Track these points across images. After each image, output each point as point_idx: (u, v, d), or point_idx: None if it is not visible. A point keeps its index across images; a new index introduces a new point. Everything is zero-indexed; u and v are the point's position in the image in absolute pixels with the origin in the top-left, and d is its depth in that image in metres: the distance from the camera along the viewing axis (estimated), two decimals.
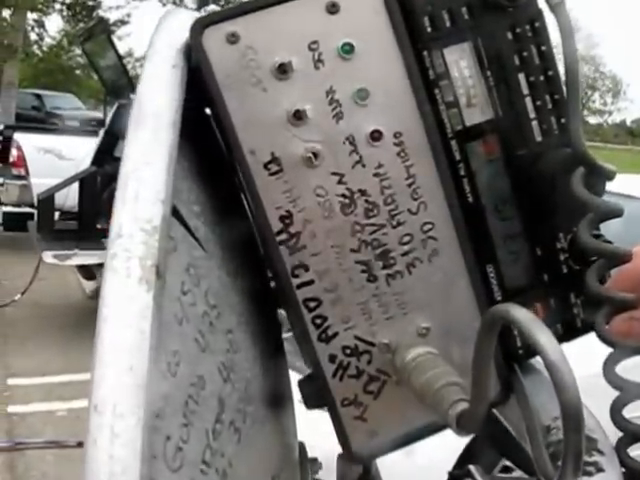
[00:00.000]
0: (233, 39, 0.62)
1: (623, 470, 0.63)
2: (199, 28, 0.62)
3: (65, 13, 26.34)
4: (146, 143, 0.53)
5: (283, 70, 0.62)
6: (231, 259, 0.70)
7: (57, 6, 25.70)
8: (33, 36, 28.27)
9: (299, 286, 0.66)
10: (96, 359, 0.41)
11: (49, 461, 4.64)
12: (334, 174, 0.64)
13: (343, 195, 0.65)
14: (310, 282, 0.66)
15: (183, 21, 0.63)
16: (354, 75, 0.64)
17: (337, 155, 0.64)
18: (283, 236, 0.65)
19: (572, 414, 0.46)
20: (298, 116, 0.63)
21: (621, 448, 0.66)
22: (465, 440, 3.05)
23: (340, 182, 0.65)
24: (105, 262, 0.45)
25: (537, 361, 0.73)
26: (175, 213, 0.53)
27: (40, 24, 27.46)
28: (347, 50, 0.63)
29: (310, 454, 0.92)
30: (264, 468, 0.71)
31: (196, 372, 0.53)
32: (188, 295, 0.55)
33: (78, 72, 31.09)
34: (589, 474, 0.59)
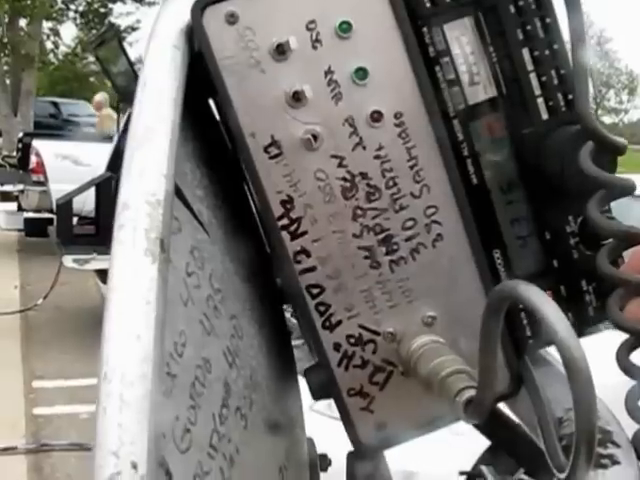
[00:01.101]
0: (232, 19, 0.60)
1: None
2: (199, 9, 0.60)
3: (78, 21, 26.58)
4: (149, 120, 0.52)
5: (281, 51, 0.61)
6: (234, 245, 0.70)
7: (71, 14, 25.97)
8: (49, 45, 28.57)
9: (301, 272, 0.64)
10: (105, 328, 0.41)
11: (73, 463, 4.67)
12: (334, 157, 0.62)
13: (344, 179, 0.63)
14: (312, 268, 0.64)
15: (185, 3, 0.62)
16: (353, 54, 0.62)
17: (337, 137, 0.62)
18: (284, 221, 0.63)
19: (583, 392, 0.43)
20: (297, 97, 0.61)
21: (638, 441, 0.63)
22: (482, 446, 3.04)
23: (340, 165, 0.63)
24: (113, 233, 0.46)
25: (548, 352, 0.70)
26: (179, 195, 0.53)
27: (55, 32, 27.66)
28: (345, 29, 0.61)
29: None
30: (271, 458, 0.69)
31: (202, 355, 0.53)
32: (193, 277, 0.54)
33: (92, 79, 31.35)
34: (604, 467, 0.56)
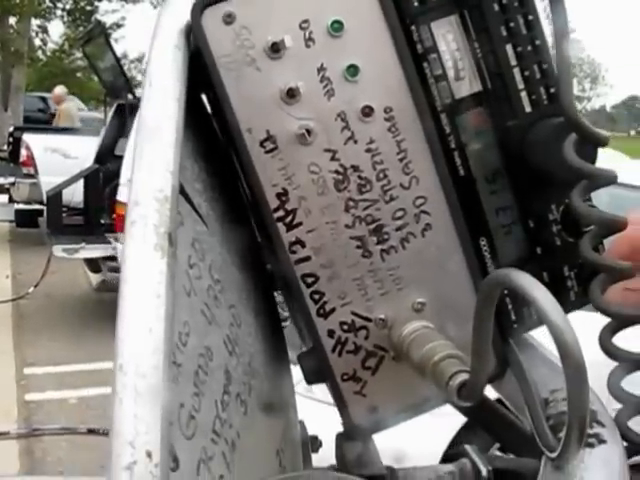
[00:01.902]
0: (229, 19, 0.61)
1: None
2: (198, 9, 0.61)
3: (66, 18, 26.48)
4: (156, 119, 0.53)
5: (276, 49, 0.61)
6: (231, 237, 0.70)
7: (58, 12, 25.87)
8: (37, 42, 28.44)
9: (297, 262, 0.64)
10: (119, 321, 0.42)
11: (63, 447, 4.66)
12: (327, 151, 0.63)
13: (336, 171, 0.63)
14: (307, 258, 0.64)
15: (184, 4, 0.62)
16: (344, 52, 0.62)
17: (329, 132, 0.62)
18: (280, 213, 0.63)
19: (576, 374, 0.44)
20: (291, 94, 0.61)
21: (620, 420, 0.63)
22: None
23: (333, 158, 0.63)
24: (125, 228, 0.46)
25: (531, 336, 0.71)
26: (181, 190, 0.53)
27: (43, 30, 27.55)
28: (337, 28, 0.61)
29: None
30: (269, 441, 0.70)
31: (204, 343, 0.53)
32: (194, 269, 0.55)
33: (79, 75, 31.20)
34: (591, 445, 0.56)
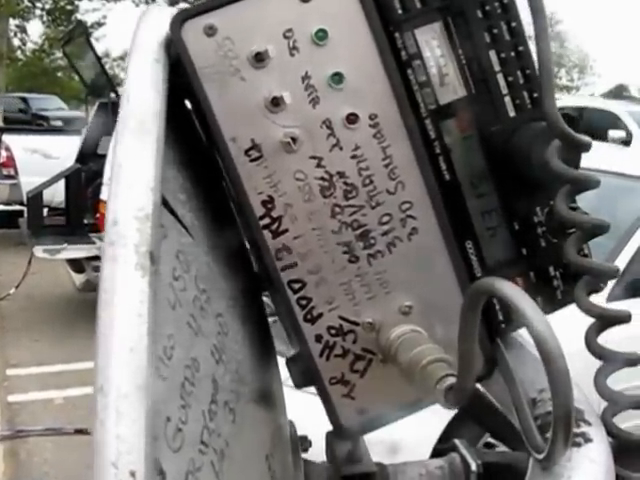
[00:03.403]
0: (211, 31, 0.61)
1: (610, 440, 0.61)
2: (178, 22, 0.61)
3: (45, 18, 26.36)
4: (134, 135, 0.52)
5: (260, 59, 0.61)
6: (217, 245, 0.70)
7: (37, 12, 25.75)
8: (16, 42, 28.27)
9: (283, 268, 0.64)
10: (99, 342, 0.41)
11: (49, 448, 4.63)
12: (312, 158, 0.63)
13: (322, 178, 0.63)
14: (293, 264, 0.64)
15: (163, 16, 0.62)
16: (328, 60, 0.62)
17: (315, 139, 0.63)
18: (266, 220, 0.63)
19: (560, 384, 0.44)
20: (276, 102, 0.62)
21: (607, 418, 0.64)
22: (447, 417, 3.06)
23: (319, 165, 0.63)
24: (103, 249, 0.46)
25: (519, 335, 0.71)
26: (164, 202, 0.53)
27: (22, 30, 27.41)
28: (321, 36, 0.62)
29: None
30: (259, 447, 0.70)
31: (190, 355, 0.53)
32: (179, 281, 0.54)
33: (60, 74, 30.99)
34: (578, 445, 0.57)
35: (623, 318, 0.64)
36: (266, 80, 0.62)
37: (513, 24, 0.66)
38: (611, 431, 0.63)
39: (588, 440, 0.58)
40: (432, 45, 0.65)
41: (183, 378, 0.50)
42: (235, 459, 0.59)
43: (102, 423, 0.39)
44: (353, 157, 0.63)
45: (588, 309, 0.64)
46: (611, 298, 3.00)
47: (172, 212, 0.58)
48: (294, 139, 0.62)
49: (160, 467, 0.42)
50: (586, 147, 0.61)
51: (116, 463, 0.38)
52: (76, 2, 26.13)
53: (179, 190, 0.62)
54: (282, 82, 0.62)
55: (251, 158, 0.62)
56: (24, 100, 23.37)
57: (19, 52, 29.50)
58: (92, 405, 0.40)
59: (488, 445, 3.07)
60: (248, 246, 0.76)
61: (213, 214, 0.71)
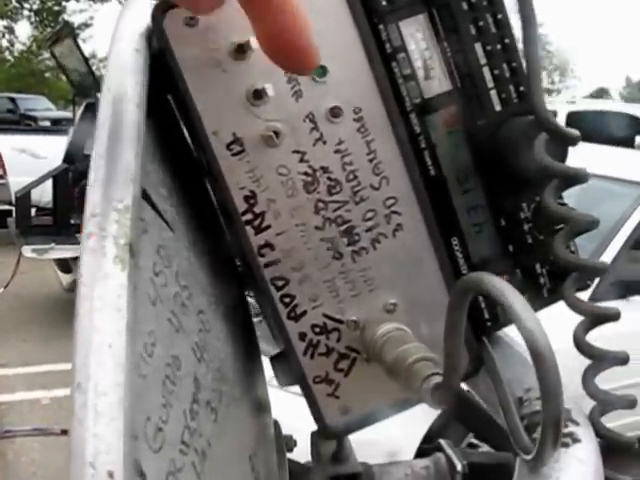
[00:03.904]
0: (192, 22, 0.59)
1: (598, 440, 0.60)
2: (160, 12, 0.59)
3: (33, 19, 26.37)
4: (115, 126, 0.51)
5: (241, 50, 0.59)
6: (198, 241, 0.68)
7: (25, 12, 25.76)
8: (4, 43, 28.29)
9: (266, 265, 0.63)
10: (76, 338, 0.39)
11: (36, 448, 4.62)
12: (295, 152, 0.62)
13: (305, 173, 0.62)
14: (276, 261, 0.63)
15: (145, 7, 0.61)
16: None
17: (298, 133, 0.62)
18: (248, 216, 0.62)
19: (551, 385, 0.43)
20: (258, 95, 0.60)
21: (595, 418, 0.63)
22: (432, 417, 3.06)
23: (302, 160, 0.62)
24: (82, 241, 0.44)
25: (505, 334, 0.70)
26: (145, 196, 0.52)
27: (10, 30, 27.39)
28: None
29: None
30: (242, 447, 0.69)
31: (171, 352, 0.51)
32: (160, 276, 0.53)
33: (48, 75, 30.99)
34: (566, 445, 0.56)
35: (613, 316, 0.62)
36: (248, 72, 0.60)
37: (499, 16, 0.65)
38: (599, 431, 0.61)
39: (576, 440, 0.56)
40: (417, 38, 0.63)
41: (164, 376, 0.49)
42: (217, 459, 0.57)
43: (80, 421, 0.37)
44: (337, 152, 0.62)
45: (577, 307, 0.63)
46: (593, 300, 3.00)
47: (153, 206, 0.56)
48: (277, 133, 0.61)
49: (140, 468, 0.40)
50: (574, 141, 0.60)
51: (94, 463, 0.36)
52: (63, 3, 26.15)
53: (161, 184, 0.61)
54: (264, 74, 0.60)
55: (233, 152, 0.61)
56: (12, 100, 23.34)
57: (7, 53, 29.50)
58: (70, 403, 0.38)
59: (471, 445, 3.07)
60: (231, 243, 0.75)
61: (196, 210, 0.70)
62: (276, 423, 0.87)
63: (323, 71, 0.61)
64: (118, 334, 0.40)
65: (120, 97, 0.53)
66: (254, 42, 0.59)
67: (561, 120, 11.49)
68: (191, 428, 0.52)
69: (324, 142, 0.62)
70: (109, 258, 0.43)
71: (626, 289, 4.08)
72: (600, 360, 0.63)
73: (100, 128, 0.51)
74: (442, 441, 0.83)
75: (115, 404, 0.38)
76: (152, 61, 0.59)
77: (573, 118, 11.36)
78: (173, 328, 0.53)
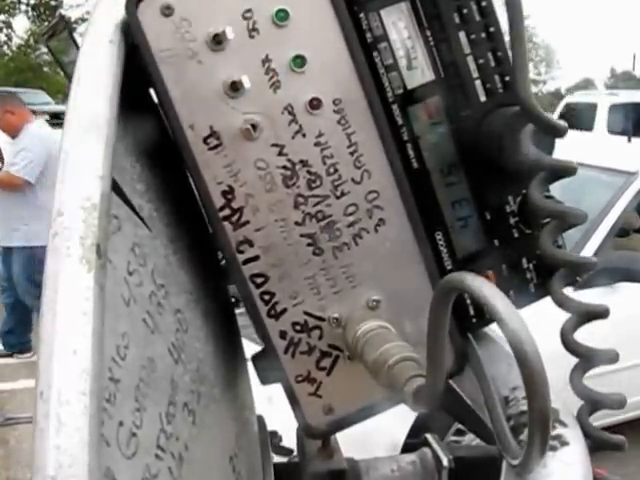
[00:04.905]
0: (168, 12, 0.57)
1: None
2: (134, 2, 0.57)
3: (30, 14, 26.36)
4: (84, 120, 0.48)
5: (217, 41, 0.57)
6: (178, 237, 0.66)
7: (22, 7, 25.74)
8: (2, 37, 28.25)
9: (245, 262, 0.61)
10: (40, 343, 0.38)
11: None
12: (274, 145, 0.59)
13: (284, 167, 0.59)
14: (255, 258, 0.61)
15: None
16: (290, 42, 0.58)
17: (276, 126, 0.59)
18: (226, 212, 0.60)
19: (537, 388, 0.40)
20: (235, 87, 0.57)
21: (583, 418, 0.60)
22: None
23: (281, 154, 0.59)
24: (47, 241, 0.42)
25: (491, 330, 0.68)
26: (118, 192, 0.50)
27: (8, 25, 27.34)
28: (282, 17, 0.58)
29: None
30: (222, 448, 0.66)
31: (146, 354, 0.49)
32: (134, 275, 0.51)
33: (46, 69, 31.00)
34: (554, 448, 0.53)
35: (601, 313, 0.60)
36: (224, 64, 0.58)
37: (483, 3, 0.62)
38: (588, 431, 0.59)
39: (564, 443, 0.54)
40: (399, 26, 0.61)
41: (138, 379, 0.46)
42: (195, 463, 0.55)
43: (41, 432, 0.35)
44: (317, 144, 0.60)
45: (564, 303, 0.60)
46: (579, 288, 2.98)
47: (128, 203, 0.54)
48: (254, 126, 0.58)
49: (112, 475, 0.38)
50: (562, 132, 0.57)
51: (55, 477, 0.34)
52: None
53: (137, 180, 0.58)
54: (241, 66, 0.58)
55: (210, 146, 0.58)
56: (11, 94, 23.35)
57: (5, 47, 29.46)
58: (33, 414, 0.36)
59: (460, 432, 3.05)
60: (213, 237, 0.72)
61: (176, 205, 0.67)
62: (260, 419, 0.84)
63: (302, 61, 0.58)
64: (84, 339, 0.38)
65: (90, 91, 0.50)
66: (230, 32, 0.56)
67: (604, 114, 11.40)
68: (167, 432, 0.49)
69: (303, 135, 0.59)
70: (74, 259, 0.41)
71: (611, 276, 4.08)
72: (588, 359, 0.61)
73: (67, 123, 0.48)
74: (428, 435, 0.81)
75: (79, 414, 0.35)
76: (131, 53, 0.56)
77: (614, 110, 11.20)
78: (148, 329, 0.51)
